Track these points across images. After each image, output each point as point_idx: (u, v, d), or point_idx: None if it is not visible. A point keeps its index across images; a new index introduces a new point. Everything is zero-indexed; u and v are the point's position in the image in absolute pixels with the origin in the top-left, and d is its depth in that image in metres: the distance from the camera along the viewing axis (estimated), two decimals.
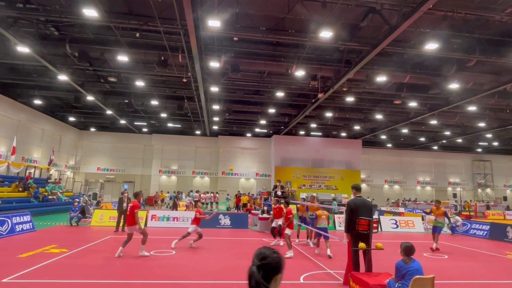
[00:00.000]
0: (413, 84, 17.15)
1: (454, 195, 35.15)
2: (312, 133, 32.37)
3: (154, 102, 21.94)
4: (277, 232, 10.89)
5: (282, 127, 29.39)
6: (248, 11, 11.95)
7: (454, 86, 16.14)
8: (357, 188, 6.62)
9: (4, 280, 6.06)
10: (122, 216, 12.80)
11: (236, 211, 24.95)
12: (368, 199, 6.57)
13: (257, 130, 31.25)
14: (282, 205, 10.78)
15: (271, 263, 1.75)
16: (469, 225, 15.77)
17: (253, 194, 28.01)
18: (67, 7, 11.67)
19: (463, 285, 6.89)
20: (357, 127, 27.68)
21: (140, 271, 6.98)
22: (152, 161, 33.27)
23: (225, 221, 15.21)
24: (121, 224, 12.96)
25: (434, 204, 11.37)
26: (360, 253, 6.32)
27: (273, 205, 12.97)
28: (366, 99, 20.81)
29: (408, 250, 4.76)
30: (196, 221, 10.04)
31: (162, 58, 14.24)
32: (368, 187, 35.70)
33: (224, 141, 33.58)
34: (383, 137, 31.83)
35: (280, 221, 10.81)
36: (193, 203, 25.27)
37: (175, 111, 23.40)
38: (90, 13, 11.00)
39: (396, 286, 4.70)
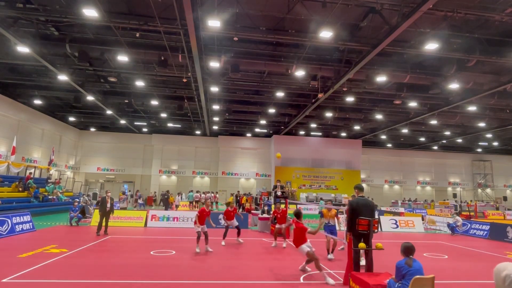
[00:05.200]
0: (413, 84, 17.15)
1: (454, 195, 35.16)
2: (312, 133, 32.37)
3: (154, 102, 21.95)
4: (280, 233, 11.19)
5: (282, 127, 29.39)
6: (248, 11, 11.96)
7: (454, 86, 16.14)
8: (360, 188, 6.64)
9: (4, 280, 6.06)
10: (104, 218, 11.82)
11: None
12: (370, 200, 6.57)
13: (257, 130, 31.26)
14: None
15: None
16: (469, 225, 15.77)
17: (250, 193, 28.00)
18: (67, 7, 11.67)
19: (463, 285, 6.89)
20: (357, 127, 27.68)
21: (140, 271, 6.98)
22: (152, 161, 33.28)
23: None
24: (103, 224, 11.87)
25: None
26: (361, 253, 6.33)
27: (230, 207, 11.71)
28: (366, 99, 20.82)
29: (407, 250, 4.75)
30: (199, 220, 9.51)
31: (162, 58, 14.24)
32: (368, 187, 35.69)
33: (224, 141, 33.58)
34: (383, 137, 31.83)
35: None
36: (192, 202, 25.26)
37: (175, 111, 23.41)
38: (90, 13, 11.00)
39: (396, 286, 4.70)
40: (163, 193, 29.35)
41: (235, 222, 11.36)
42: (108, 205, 11.90)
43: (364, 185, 34.26)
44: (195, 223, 9.57)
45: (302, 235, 7.05)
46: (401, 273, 4.61)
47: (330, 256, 9.02)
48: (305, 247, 6.93)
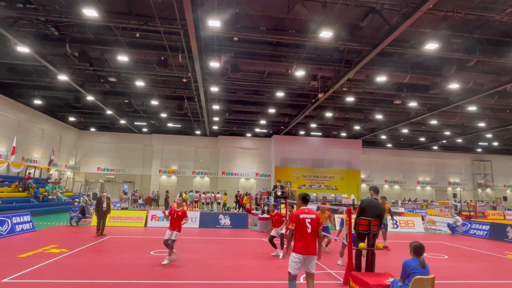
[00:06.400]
0: (413, 84, 17.15)
1: (454, 195, 35.15)
2: (312, 133, 32.37)
3: (154, 102, 21.95)
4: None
5: (282, 127, 29.40)
6: (248, 11, 11.95)
7: (454, 86, 16.14)
8: (375, 190, 6.66)
9: (4, 280, 6.06)
10: (102, 218, 11.80)
11: (237, 211, 24.97)
12: (381, 203, 6.57)
13: (257, 130, 31.26)
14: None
15: None
16: (469, 225, 15.76)
17: (249, 194, 28.09)
18: (67, 7, 11.67)
19: (463, 285, 6.89)
20: (357, 127, 27.68)
21: (140, 271, 6.98)
22: (152, 161, 33.28)
23: (225, 221, 15.21)
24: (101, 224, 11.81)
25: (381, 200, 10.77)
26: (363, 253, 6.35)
27: (271, 212, 10.10)
28: (366, 99, 20.82)
29: (418, 250, 4.69)
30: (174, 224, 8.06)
31: (162, 58, 14.24)
32: (368, 187, 35.68)
33: (224, 141, 33.57)
34: (383, 137, 31.83)
35: (282, 230, 9.48)
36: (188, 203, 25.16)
37: (175, 111, 23.41)
38: (90, 13, 11.00)
39: (398, 285, 4.69)
40: (153, 193, 29.40)
41: (280, 230, 9.45)
42: (104, 205, 11.84)
43: (364, 185, 34.55)
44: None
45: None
46: (406, 273, 4.56)
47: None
48: None
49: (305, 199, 5.13)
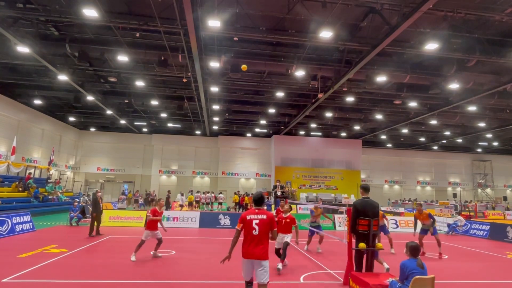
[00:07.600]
0: (413, 84, 17.15)
1: (454, 195, 35.17)
2: (312, 133, 32.38)
3: (154, 102, 21.95)
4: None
5: (282, 127, 29.40)
6: (248, 11, 11.96)
7: (454, 86, 16.14)
8: (365, 189, 6.54)
9: (4, 280, 6.06)
10: (98, 219, 11.57)
11: (237, 211, 24.94)
12: (375, 201, 6.52)
13: (257, 130, 31.27)
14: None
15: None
16: (469, 225, 15.76)
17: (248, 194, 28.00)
18: (67, 7, 11.67)
19: (463, 285, 6.89)
20: (357, 127, 27.69)
21: (140, 271, 6.98)
22: (152, 161, 33.29)
23: (225, 221, 15.21)
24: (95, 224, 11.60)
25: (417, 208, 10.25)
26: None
27: (282, 213, 8.21)
28: (366, 99, 20.82)
29: (415, 250, 4.70)
30: (150, 225, 8.39)
31: (162, 58, 14.24)
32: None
33: (224, 141, 33.59)
34: (383, 137, 31.84)
35: (288, 238, 7.63)
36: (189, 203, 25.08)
37: (175, 111, 23.42)
38: (90, 13, 11.01)
39: (397, 286, 4.68)
40: (147, 193, 29.33)
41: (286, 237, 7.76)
42: (101, 205, 11.89)
43: None
44: (146, 227, 8.38)
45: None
46: (405, 274, 4.57)
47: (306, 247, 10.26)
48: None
49: (255, 201, 4.73)
